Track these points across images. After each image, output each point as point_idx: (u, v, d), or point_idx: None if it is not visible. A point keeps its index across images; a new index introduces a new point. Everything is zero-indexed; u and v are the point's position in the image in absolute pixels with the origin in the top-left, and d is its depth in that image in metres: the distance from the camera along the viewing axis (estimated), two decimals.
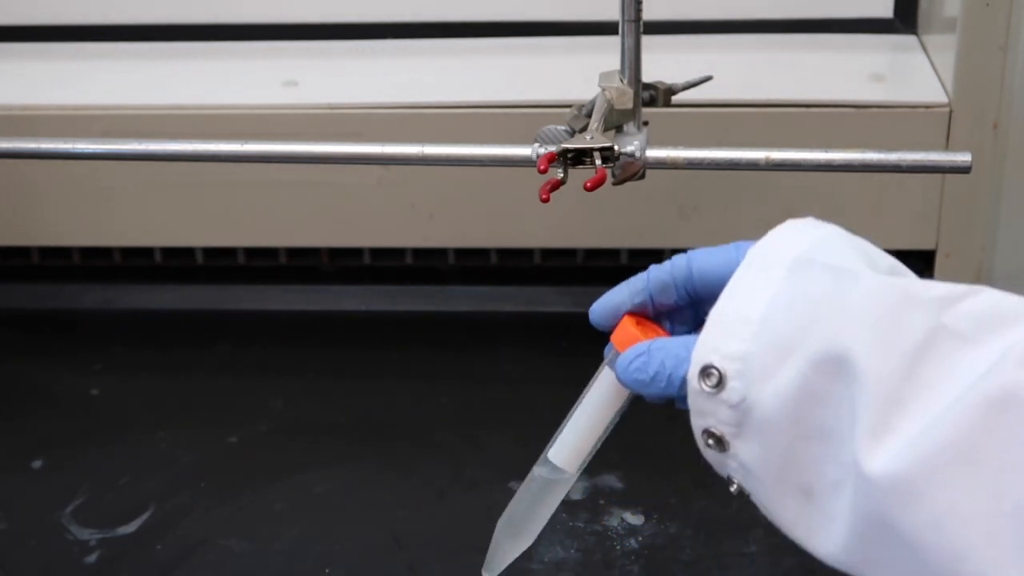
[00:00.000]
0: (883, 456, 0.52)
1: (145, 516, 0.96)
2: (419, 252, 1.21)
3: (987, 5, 1.04)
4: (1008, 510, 0.49)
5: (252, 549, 0.92)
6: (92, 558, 0.92)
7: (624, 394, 0.68)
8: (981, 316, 0.53)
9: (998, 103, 1.07)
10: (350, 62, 1.23)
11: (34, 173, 1.17)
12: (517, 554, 0.74)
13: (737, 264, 0.62)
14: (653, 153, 0.89)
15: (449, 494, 0.97)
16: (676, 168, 0.90)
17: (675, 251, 1.20)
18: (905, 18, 1.23)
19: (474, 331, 1.18)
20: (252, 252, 1.22)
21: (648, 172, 0.90)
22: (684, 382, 0.60)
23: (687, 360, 0.60)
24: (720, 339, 0.58)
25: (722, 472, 0.62)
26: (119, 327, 1.20)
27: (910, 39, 1.22)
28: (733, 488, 0.62)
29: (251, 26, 1.26)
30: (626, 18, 0.87)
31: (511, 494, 0.96)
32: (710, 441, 0.60)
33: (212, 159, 0.98)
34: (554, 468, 0.71)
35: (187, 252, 1.22)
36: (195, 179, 1.16)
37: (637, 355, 0.63)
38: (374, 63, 1.22)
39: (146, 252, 1.23)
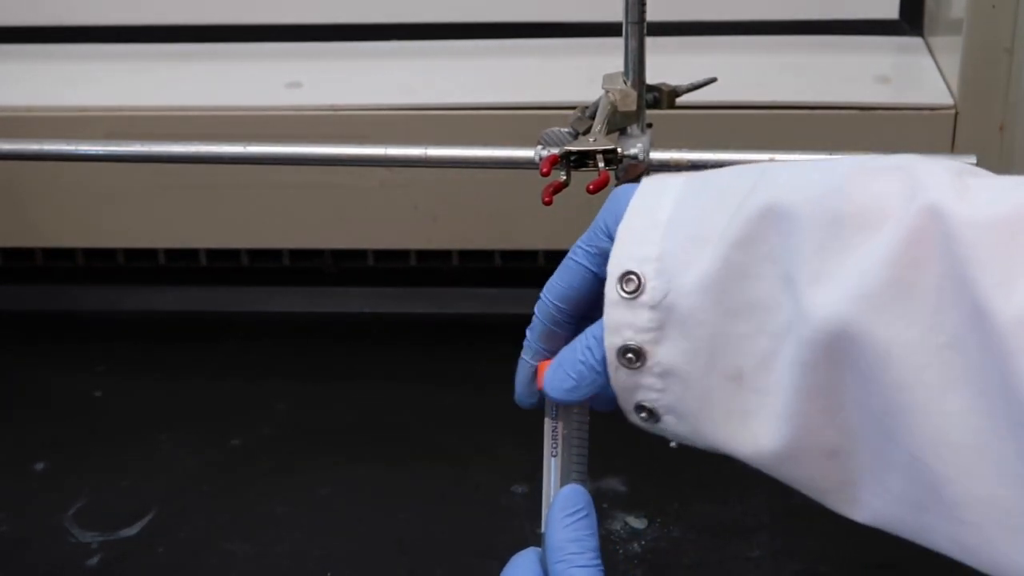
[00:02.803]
0: (826, 301, 0.52)
1: (147, 518, 0.95)
2: (423, 254, 1.21)
3: (993, 7, 1.04)
4: (943, 342, 0.50)
5: (254, 552, 0.92)
6: (94, 561, 0.92)
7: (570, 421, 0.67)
8: (895, 163, 0.54)
9: (1004, 105, 1.07)
10: (353, 63, 1.23)
11: (37, 175, 1.17)
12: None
13: (579, 266, 0.63)
14: (657, 155, 0.89)
15: (452, 497, 0.97)
16: (680, 170, 0.90)
17: None
18: (911, 20, 1.22)
19: (478, 333, 1.17)
20: (255, 254, 1.22)
21: (652, 174, 0.90)
22: (603, 360, 0.60)
23: (594, 340, 0.60)
24: (632, 246, 0.58)
25: (630, 400, 0.60)
26: (122, 329, 1.19)
27: (916, 41, 1.22)
28: (673, 444, 0.62)
29: (254, 27, 1.26)
30: (630, 19, 0.87)
31: (515, 498, 0.96)
32: (628, 356, 0.58)
33: (215, 161, 0.98)
34: None
35: (191, 254, 1.22)
36: (198, 181, 1.16)
37: (552, 369, 0.64)
38: (377, 64, 1.22)
39: (149, 254, 1.23)
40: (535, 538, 0.92)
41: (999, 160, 1.08)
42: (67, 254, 1.23)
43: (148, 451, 1.03)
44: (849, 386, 0.53)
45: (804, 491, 0.58)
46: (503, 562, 0.85)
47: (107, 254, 1.23)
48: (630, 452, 1.00)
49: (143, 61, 1.24)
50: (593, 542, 0.63)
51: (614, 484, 0.97)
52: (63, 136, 0.98)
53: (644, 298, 0.57)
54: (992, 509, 0.50)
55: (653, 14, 0.87)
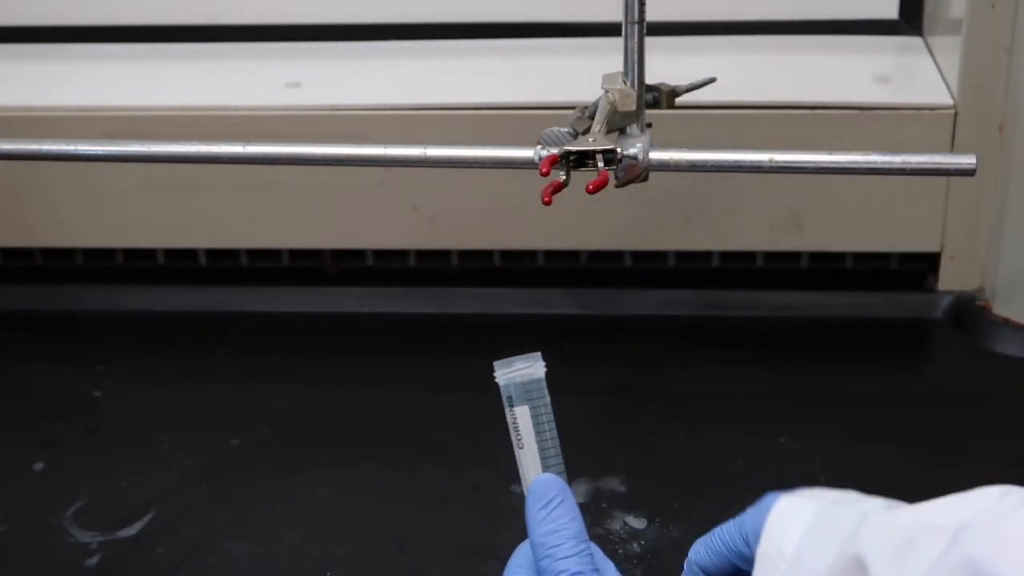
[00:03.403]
0: None
1: (147, 519, 0.95)
2: (422, 254, 1.21)
3: (992, 7, 1.04)
4: None
5: (254, 552, 0.92)
6: (93, 561, 0.92)
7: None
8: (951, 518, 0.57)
9: (1003, 105, 1.07)
10: (353, 63, 1.23)
11: (37, 174, 1.17)
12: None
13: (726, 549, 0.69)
14: (656, 155, 0.89)
15: (451, 497, 0.97)
16: (679, 170, 0.90)
17: (679, 254, 1.21)
18: (910, 19, 1.22)
19: (477, 333, 1.17)
20: (255, 254, 1.22)
21: (651, 174, 0.90)
22: None
23: None
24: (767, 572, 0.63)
25: None
26: (122, 329, 1.19)
27: (915, 41, 1.22)
28: None
29: (254, 27, 1.26)
30: (629, 20, 0.87)
31: (513, 498, 0.96)
32: None
33: (215, 161, 0.98)
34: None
35: (190, 254, 1.22)
36: (198, 180, 1.16)
37: None
38: (377, 64, 1.22)
39: (149, 254, 1.23)
40: None
41: (999, 160, 1.08)
42: (67, 254, 1.23)
43: (147, 451, 1.03)
44: None
45: None
46: (503, 562, 0.85)
47: (106, 254, 1.23)
48: (630, 452, 1.00)
49: (142, 61, 1.24)
50: (573, 528, 0.63)
51: (614, 484, 0.96)
52: (62, 136, 0.98)
53: None
54: None
55: (653, 14, 0.87)
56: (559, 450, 0.67)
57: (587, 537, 0.64)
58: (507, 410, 0.68)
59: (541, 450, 0.67)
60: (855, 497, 0.64)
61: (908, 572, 0.57)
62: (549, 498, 0.65)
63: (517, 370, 0.67)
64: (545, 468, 0.67)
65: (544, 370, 0.67)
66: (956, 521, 0.57)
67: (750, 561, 0.67)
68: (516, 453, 0.68)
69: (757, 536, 0.66)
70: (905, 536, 0.58)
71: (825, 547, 0.61)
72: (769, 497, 0.68)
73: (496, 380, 0.67)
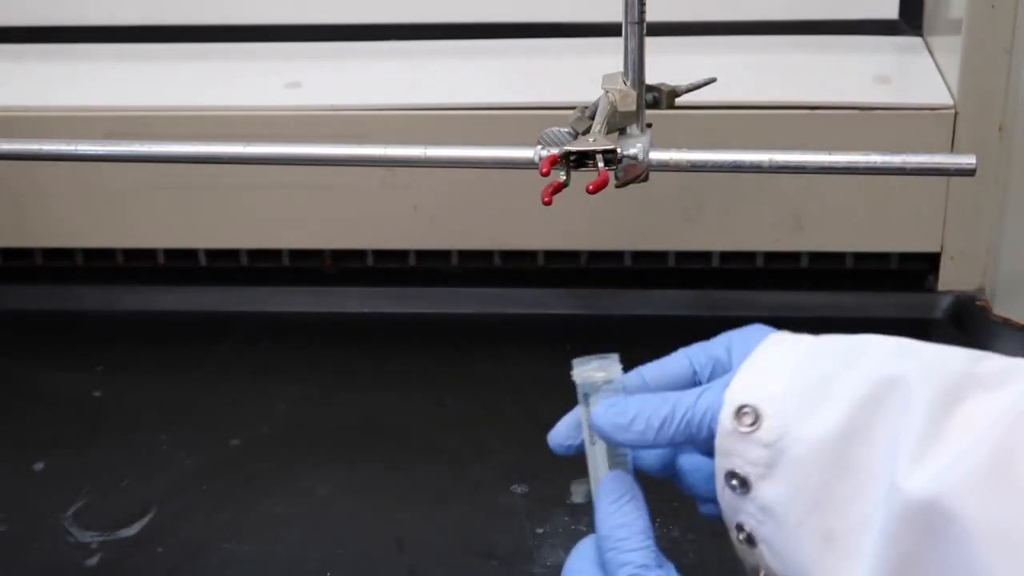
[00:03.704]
0: (922, 477, 0.54)
1: (147, 519, 0.95)
2: (422, 254, 1.21)
3: (992, 7, 1.04)
4: None
5: (254, 552, 0.92)
6: (93, 561, 0.92)
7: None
8: (1004, 368, 0.57)
9: (1003, 105, 1.07)
10: (353, 63, 1.23)
11: (37, 174, 1.17)
12: None
13: (686, 360, 0.66)
14: (656, 155, 0.89)
15: (452, 497, 0.97)
16: (679, 170, 0.90)
17: (679, 254, 1.20)
18: (910, 20, 1.22)
19: (477, 333, 1.17)
20: (255, 254, 1.22)
21: (651, 174, 0.90)
22: (658, 429, 0.62)
23: (666, 408, 0.63)
24: (757, 380, 0.60)
25: (733, 519, 0.62)
26: (122, 328, 1.19)
27: (915, 41, 1.22)
28: (761, 574, 0.63)
29: (254, 27, 1.26)
30: (629, 20, 0.87)
31: (513, 497, 0.96)
32: (733, 483, 0.61)
33: (215, 161, 0.98)
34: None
35: (190, 254, 1.22)
36: (198, 180, 1.16)
37: (618, 412, 0.65)
38: (377, 65, 1.22)
39: (149, 254, 1.23)
40: (535, 538, 0.92)
41: (998, 160, 1.08)
42: (66, 254, 1.23)
43: (147, 451, 1.03)
44: (933, 562, 0.54)
45: None
46: (503, 562, 0.85)
47: (106, 254, 1.23)
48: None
49: (142, 61, 1.24)
50: (641, 524, 0.63)
51: None
52: (62, 136, 0.98)
53: (760, 435, 0.59)
54: None
55: (653, 14, 0.87)
56: (628, 449, 0.67)
57: (653, 535, 0.64)
58: (581, 408, 0.68)
59: (610, 447, 0.67)
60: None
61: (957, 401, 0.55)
62: (620, 494, 0.65)
63: (595, 369, 0.67)
64: (613, 465, 0.67)
65: (620, 371, 0.67)
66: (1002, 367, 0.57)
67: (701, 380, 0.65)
68: (587, 449, 0.68)
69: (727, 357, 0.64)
70: (951, 371, 0.57)
71: (843, 365, 0.59)
72: (752, 327, 0.65)
73: (573, 378, 0.67)
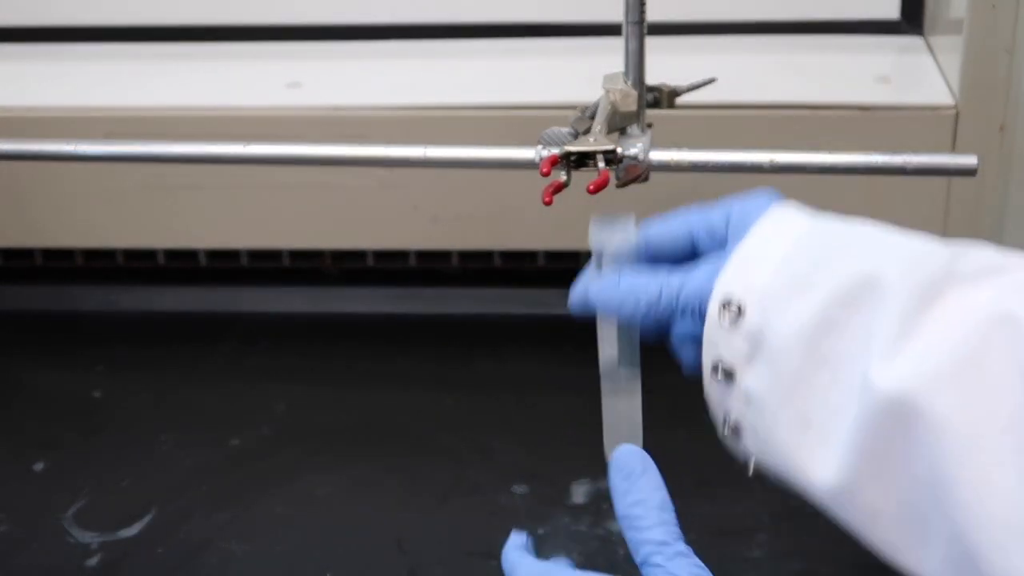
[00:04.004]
0: (895, 371, 0.55)
1: (147, 519, 0.95)
2: (422, 254, 1.21)
3: (993, 7, 1.04)
4: (1001, 426, 0.52)
5: (254, 552, 0.92)
6: (93, 561, 0.92)
7: None
8: (986, 264, 0.58)
9: (1004, 105, 1.07)
10: (353, 64, 1.23)
11: (37, 175, 1.17)
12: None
13: (686, 225, 0.67)
14: (657, 155, 0.89)
15: (452, 498, 0.97)
16: (680, 170, 0.90)
17: None
18: (911, 19, 1.22)
19: (478, 333, 1.17)
20: (255, 254, 1.22)
21: (652, 174, 0.90)
22: (645, 311, 0.65)
23: (652, 289, 0.65)
24: (741, 273, 0.61)
25: (720, 411, 0.64)
26: (121, 329, 1.19)
27: (916, 40, 1.22)
28: (751, 467, 0.64)
29: (254, 27, 1.26)
30: (630, 20, 0.87)
31: (514, 498, 0.96)
32: (718, 373, 0.62)
33: (215, 161, 0.98)
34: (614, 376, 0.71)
35: (190, 254, 1.22)
36: (198, 181, 1.16)
37: (611, 290, 0.67)
38: (377, 65, 1.22)
39: (149, 254, 1.23)
40: (536, 538, 0.92)
41: (999, 160, 1.08)
42: (66, 254, 1.23)
43: (147, 451, 1.03)
44: (903, 454, 0.55)
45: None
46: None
47: (106, 254, 1.23)
48: None
49: (143, 61, 1.24)
50: (657, 498, 0.63)
51: None
52: (62, 136, 0.98)
53: (742, 327, 0.60)
54: None
55: (653, 14, 0.87)
56: (638, 366, 0.69)
57: (672, 508, 0.64)
58: (593, 269, 0.70)
59: (628, 357, 0.69)
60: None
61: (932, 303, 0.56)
62: (630, 469, 0.65)
63: (608, 233, 0.69)
64: (622, 332, 0.68)
65: (634, 233, 0.70)
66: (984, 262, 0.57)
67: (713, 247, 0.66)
68: (599, 328, 0.70)
69: (736, 227, 0.65)
70: (931, 269, 0.57)
71: (827, 258, 0.60)
72: (754, 196, 0.67)
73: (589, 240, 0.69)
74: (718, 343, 0.62)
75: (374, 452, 1.02)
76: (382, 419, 1.06)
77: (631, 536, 0.62)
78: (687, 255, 0.67)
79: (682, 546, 0.61)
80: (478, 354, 1.14)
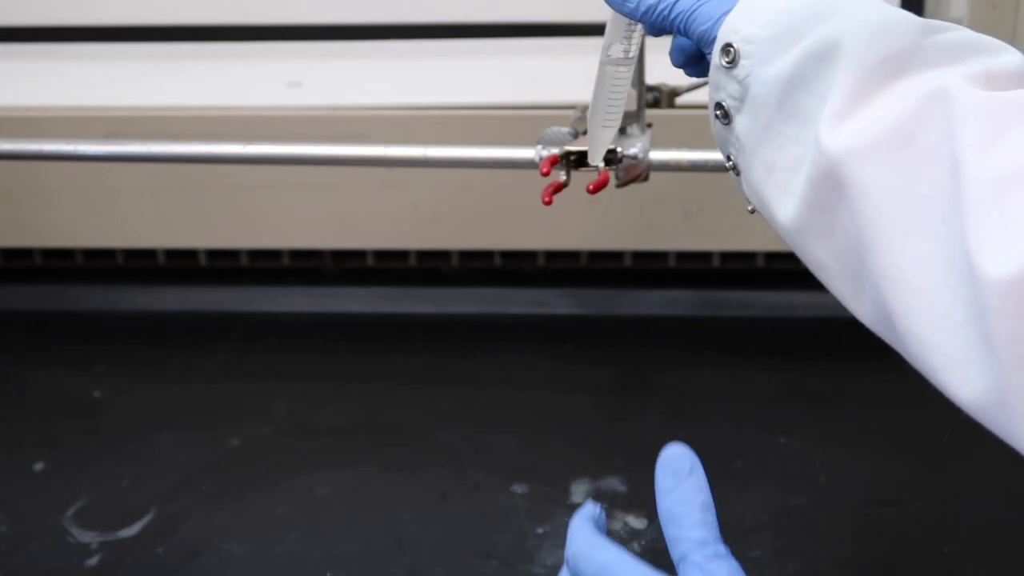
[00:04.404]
0: (838, 135, 0.60)
1: (147, 519, 0.95)
2: (422, 254, 1.21)
3: (994, 7, 1.04)
4: (920, 194, 0.57)
5: (254, 552, 0.92)
6: (93, 561, 0.92)
7: None
8: (954, 45, 0.61)
9: None
10: (353, 64, 1.23)
11: (37, 174, 1.17)
12: (610, 140, 0.80)
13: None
14: (657, 155, 0.89)
15: (452, 497, 0.97)
16: (680, 170, 0.90)
17: (679, 254, 1.21)
18: None
19: (478, 333, 1.17)
20: (255, 254, 1.22)
21: (652, 174, 0.90)
22: (648, 11, 0.69)
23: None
24: (741, 23, 0.65)
25: (724, 150, 0.69)
26: (122, 329, 1.19)
27: None
28: (749, 209, 0.72)
29: (254, 27, 1.26)
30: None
31: (514, 497, 0.96)
32: (718, 113, 0.68)
33: (215, 161, 0.98)
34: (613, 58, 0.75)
35: (190, 254, 1.22)
36: (198, 180, 1.16)
37: None
38: (377, 65, 1.22)
39: (149, 254, 1.23)
40: (535, 538, 0.92)
41: None
42: (66, 254, 1.23)
43: (147, 451, 1.03)
44: (838, 214, 0.61)
45: None
46: (502, 562, 0.85)
47: (106, 254, 1.23)
48: (630, 452, 1.00)
49: (142, 61, 1.24)
50: (701, 498, 0.63)
51: (614, 484, 0.96)
52: (62, 136, 0.98)
53: (735, 71, 0.65)
54: (925, 347, 0.58)
55: None
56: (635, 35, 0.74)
57: (714, 510, 0.64)
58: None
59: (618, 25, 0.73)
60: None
61: (886, 58, 0.60)
62: (678, 467, 0.65)
63: None
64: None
65: None
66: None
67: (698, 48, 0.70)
68: (609, 21, 0.74)
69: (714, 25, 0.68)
70: (885, 30, 0.61)
71: (814, 17, 0.63)
72: None
73: None
74: (719, 85, 0.67)
75: (374, 452, 1.02)
76: (382, 418, 1.06)
77: (671, 532, 0.62)
78: None
79: (722, 547, 0.61)
80: (478, 353, 1.14)
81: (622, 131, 0.90)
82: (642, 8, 0.69)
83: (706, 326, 1.17)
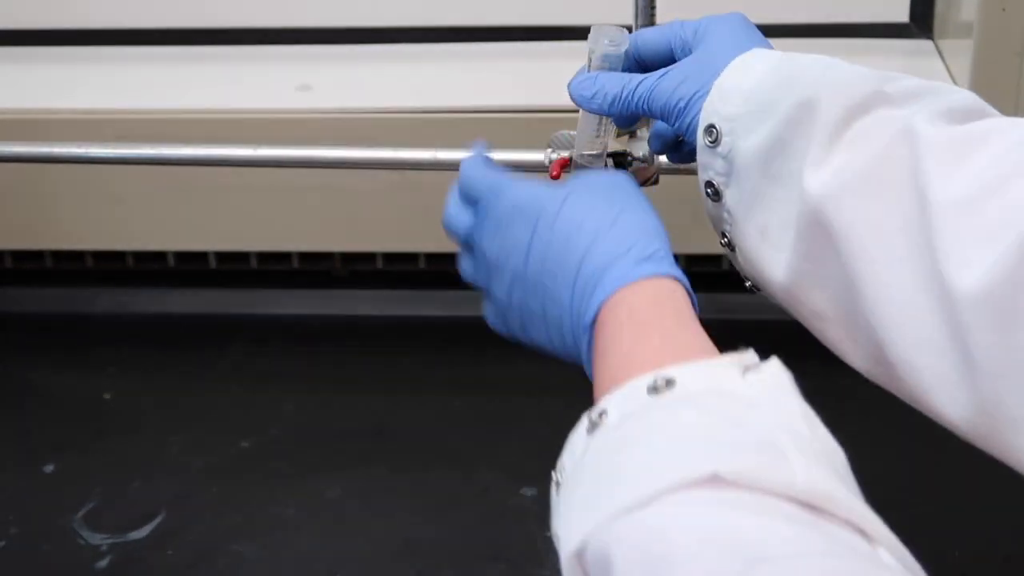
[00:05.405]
0: (818, 179, 0.63)
1: (156, 521, 0.95)
2: (432, 257, 1.21)
3: (1004, 10, 1.04)
4: (897, 224, 0.60)
5: (263, 554, 0.92)
6: (103, 563, 0.92)
7: None
8: (912, 88, 0.67)
9: (1015, 109, 1.07)
10: (363, 66, 1.23)
11: (48, 177, 1.17)
12: (601, 163, 0.84)
13: (673, 33, 0.76)
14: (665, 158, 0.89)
15: (460, 500, 0.97)
16: (690, 174, 0.90)
17: (689, 257, 1.20)
18: (921, 23, 1.22)
19: (487, 336, 1.17)
20: (265, 256, 1.22)
21: (661, 177, 0.90)
22: (610, 104, 0.75)
23: (622, 87, 0.75)
24: (719, 104, 0.69)
25: (718, 228, 0.73)
26: (132, 331, 1.20)
27: (926, 44, 1.21)
28: (748, 285, 0.75)
29: (264, 30, 1.26)
30: (640, 22, 0.87)
31: (522, 500, 0.96)
32: (709, 191, 0.71)
33: (225, 163, 0.98)
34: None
35: (200, 256, 1.22)
36: (208, 183, 1.16)
37: (589, 81, 0.77)
38: (387, 67, 1.22)
39: (159, 256, 1.23)
40: (544, 541, 0.92)
41: None
42: (77, 257, 1.23)
43: (157, 453, 1.03)
44: (827, 256, 0.64)
45: None
46: (511, 564, 0.85)
47: (117, 256, 1.23)
48: None
49: (153, 64, 1.24)
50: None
51: None
52: (73, 138, 0.98)
53: (719, 148, 0.69)
54: (914, 371, 0.61)
55: (662, 17, 0.87)
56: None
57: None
58: (586, 65, 0.78)
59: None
60: (828, 59, 0.70)
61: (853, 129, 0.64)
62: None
63: (602, 37, 0.77)
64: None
65: (625, 43, 0.76)
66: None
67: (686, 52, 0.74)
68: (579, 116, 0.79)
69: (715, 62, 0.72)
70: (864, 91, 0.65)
71: (782, 87, 0.67)
72: (723, 16, 0.75)
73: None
74: (706, 165, 0.70)
75: (383, 454, 1.02)
76: (391, 421, 1.06)
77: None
78: (668, 61, 0.75)
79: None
80: (488, 357, 1.14)
81: (632, 135, 0.90)
82: (608, 101, 0.75)
83: (715, 329, 1.17)
